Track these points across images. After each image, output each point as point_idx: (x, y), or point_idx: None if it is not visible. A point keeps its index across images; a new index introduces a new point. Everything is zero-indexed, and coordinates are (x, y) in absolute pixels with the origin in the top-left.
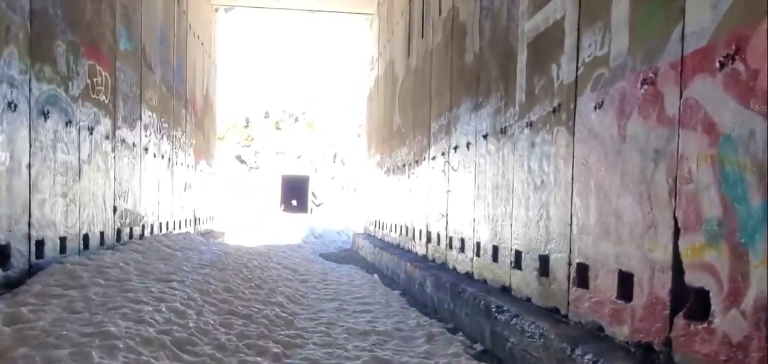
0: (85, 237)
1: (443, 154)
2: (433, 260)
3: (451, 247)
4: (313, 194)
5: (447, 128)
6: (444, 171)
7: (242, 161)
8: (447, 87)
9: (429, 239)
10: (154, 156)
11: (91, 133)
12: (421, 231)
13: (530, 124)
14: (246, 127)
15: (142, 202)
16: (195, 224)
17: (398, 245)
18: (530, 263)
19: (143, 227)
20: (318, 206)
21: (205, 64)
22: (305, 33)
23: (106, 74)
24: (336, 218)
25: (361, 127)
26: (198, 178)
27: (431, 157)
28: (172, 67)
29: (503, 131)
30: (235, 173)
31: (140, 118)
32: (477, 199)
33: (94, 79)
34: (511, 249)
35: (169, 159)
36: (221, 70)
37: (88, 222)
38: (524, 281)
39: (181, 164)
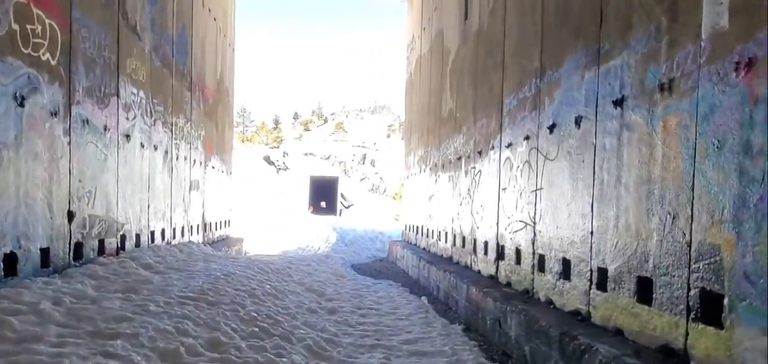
0: (7, 258)
1: (528, 138)
2: (509, 284)
3: (542, 269)
4: (342, 195)
5: (534, 102)
6: (529, 162)
7: (270, 163)
8: (534, 41)
9: (500, 255)
10: (143, 146)
11: (21, 104)
12: (486, 243)
13: (743, 65)
14: (274, 128)
15: (121, 205)
16: (204, 230)
17: (450, 258)
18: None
19: (123, 238)
20: (347, 207)
21: (220, 45)
22: (335, 31)
23: (54, 24)
24: (367, 221)
25: (391, 128)
26: (209, 177)
27: (505, 144)
28: (170, 37)
29: (666, 87)
30: (263, 175)
31: (117, 95)
32: (599, 201)
33: (29, 27)
34: (686, 285)
35: (167, 152)
36: (246, 63)
37: (14, 235)
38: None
39: (185, 159)
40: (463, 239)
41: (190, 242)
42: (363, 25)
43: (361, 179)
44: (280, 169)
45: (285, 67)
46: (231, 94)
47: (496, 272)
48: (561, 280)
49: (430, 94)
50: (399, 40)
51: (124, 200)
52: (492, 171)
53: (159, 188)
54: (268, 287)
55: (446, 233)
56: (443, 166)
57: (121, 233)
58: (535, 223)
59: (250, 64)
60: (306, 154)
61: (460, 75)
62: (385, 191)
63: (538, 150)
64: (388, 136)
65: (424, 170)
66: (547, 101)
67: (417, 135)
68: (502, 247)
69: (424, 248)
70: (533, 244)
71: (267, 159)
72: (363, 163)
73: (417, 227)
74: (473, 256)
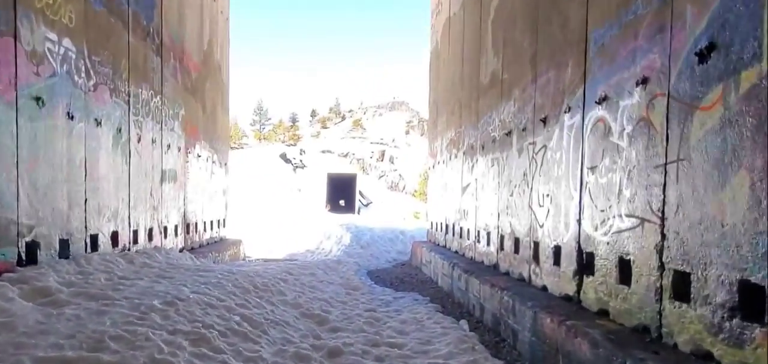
0: None
1: (645, 81)
2: (605, 313)
3: (682, 296)
4: (360, 193)
5: (658, 19)
6: (649, 120)
7: (287, 160)
8: None
9: (585, 267)
10: (72, 118)
11: None
12: (557, 249)
13: None
14: (292, 126)
15: (27, 200)
16: (186, 233)
17: (494, 266)
18: None
19: (30, 246)
20: (366, 205)
21: (207, 8)
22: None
23: None
24: (386, 219)
25: (410, 124)
26: (194, 167)
27: (594, 99)
28: None
29: None
30: (279, 173)
31: (15, 37)
32: None
33: None
34: None
35: (120, 129)
36: (262, 59)
37: None
38: None
39: (153, 142)
40: (516, 241)
41: (156, 248)
42: (381, 17)
43: (380, 177)
44: (297, 167)
45: (302, 64)
46: (224, 71)
47: (578, 291)
48: (736, 320)
49: (462, 61)
50: (418, 27)
51: (35, 191)
52: (567, 144)
53: (106, 178)
54: (239, 318)
55: (488, 233)
56: (483, 148)
57: (27, 238)
58: (663, 218)
59: (266, 60)
60: (323, 152)
61: (510, 22)
62: (404, 188)
63: (669, 97)
64: (407, 132)
65: (456, 156)
66: (690, 11)
67: (445, 115)
68: (589, 255)
69: (455, 252)
70: (660, 252)
71: (284, 157)
72: (382, 160)
73: (446, 226)
74: (534, 265)
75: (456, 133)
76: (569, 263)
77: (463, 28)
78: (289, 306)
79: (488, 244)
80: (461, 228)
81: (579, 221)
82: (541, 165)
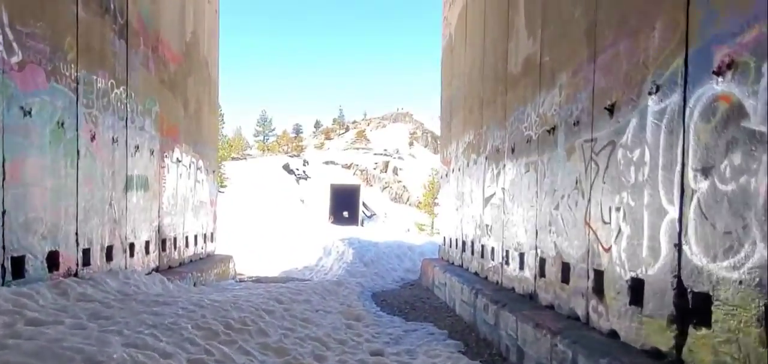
0: None
1: None
2: None
3: None
4: (364, 204)
5: None
6: None
7: (290, 171)
8: None
9: (691, 312)
10: None
11: None
12: (636, 282)
13: None
14: (295, 137)
15: None
16: (161, 249)
17: (531, 295)
18: None
19: None
20: (369, 217)
21: None
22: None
23: None
24: (391, 232)
25: (414, 135)
26: (172, 173)
27: (718, 66)
28: None
29: None
30: (282, 184)
31: None
32: None
33: None
34: None
35: (62, 123)
36: (266, 69)
37: None
38: None
39: (113, 141)
40: (564, 267)
41: (111, 272)
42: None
43: (384, 188)
44: (300, 178)
45: (306, 73)
46: (213, 68)
47: (678, 347)
48: None
49: (483, 50)
50: (423, 36)
51: None
52: (654, 137)
53: (39, 183)
54: None
55: (521, 255)
56: (513, 151)
57: None
58: None
59: (270, 70)
60: (327, 163)
61: None
62: (408, 200)
63: None
64: (411, 143)
65: (476, 162)
66: None
67: (461, 115)
68: (701, 297)
69: (475, 274)
70: None
71: (286, 167)
72: (385, 171)
73: (463, 243)
74: (594, 301)
75: (475, 136)
76: (660, 305)
77: (484, 12)
78: (271, 353)
79: (521, 267)
80: (483, 246)
81: (678, 246)
82: (606, 168)
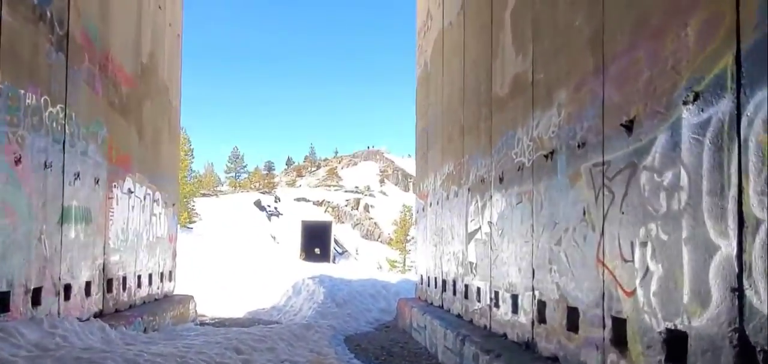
0: None
1: None
2: None
3: None
4: (335, 241)
5: None
6: None
7: (261, 208)
8: None
9: None
10: None
11: None
12: (674, 335)
13: None
14: (267, 174)
15: None
16: (106, 291)
17: (528, 344)
18: None
19: None
20: (341, 253)
21: (149, 14)
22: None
23: None
24: (363, 269)
25: (384, 173)
26: (121, 206)
27: None
28: None
29: None
30: (253, 221)
31: None
32: None
33: None
34: None
35: None
36: (238, 107)
37: None
38: None
39: (47, 167)
40: (570, 312)
41: (34, 319)
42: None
43: (355, 225)
44: (271, 214)
45: (277, 111)
46: (173, 94)
47: None
48: None
49: (463, 74)
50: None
51: None
52: (692, 155)
53: None
54: None
55: (514, 297)
56: (501, 180)
57: None
58: None
59: (242, 108)
60: (298, 200)
61: (546, 2)
62: (380, 237)
63: None
64: (382, 181)
65: (457, 194)
66: None
67: (440, 144)
68: None
69: (458, 316)
70: None
71: (258, 203)
72: (357, 208)
73: (444, 282)
74: (614, 356)
75: (456, 166)
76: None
77: (463, 36)
78: None
79: (515, 311)
80: (467, 286)
81: (739, 291)
82: (625, 196)
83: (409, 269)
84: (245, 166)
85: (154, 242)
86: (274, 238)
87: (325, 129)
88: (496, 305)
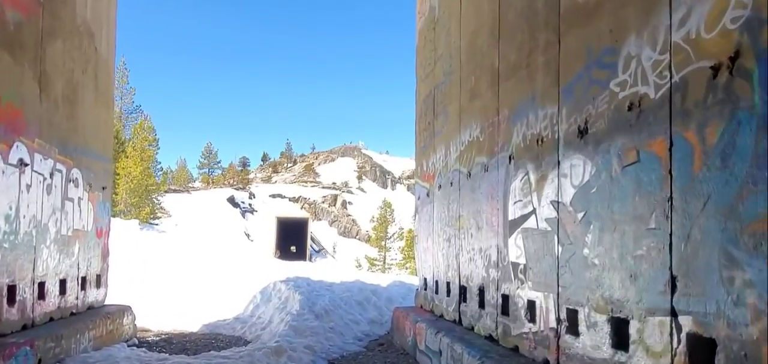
0: None
1: None
2: None
3: None
4: (312, 238)
5: None
6: None
7: (235, 204)
8: None
9: None
10: None
11: None
12: None
13: None
14: (242, 170)
15: None
16: None
17: None
18: None
19: None
20: (318, 251)
21: None
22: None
23: None
24: (345, 271)
25: (362, 169)
26: (11, 185)
27: None
28: None
29: None
30: (226, 218)
31: None
32: None
33: None
34: None
35: None
36: (212, 104)
37: None
38: None
39: None
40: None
41: None
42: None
43: (332, 222)
44: (245, 211)
45: (253, 107)
46: (102, 44)
47: None
48: None
49: None
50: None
51: None
52: None
53: None
54: None
55: (623, 323)
56: (585, 133)
57: None
58: None
59: (216, 103)
60: (273, 196)
61: None
62: (357, 234)
63: None
64: (360, 178)
65: (487, 168)
66: None
67: (455, 105)
68: None
69: (489, 338)
70: None
71: (231, 200)
72: (334, 205)
73: (464, 289)
74: None
75: (485, 129)
76: None
77: None
78: None
79: (620, 345)
80: (508, 298)
81: None
82: None
83: (389, 269)
84: (219, 162)
85: (70, 237)
86: (247, 235)
87: (302, 125)
88: (573, 332)
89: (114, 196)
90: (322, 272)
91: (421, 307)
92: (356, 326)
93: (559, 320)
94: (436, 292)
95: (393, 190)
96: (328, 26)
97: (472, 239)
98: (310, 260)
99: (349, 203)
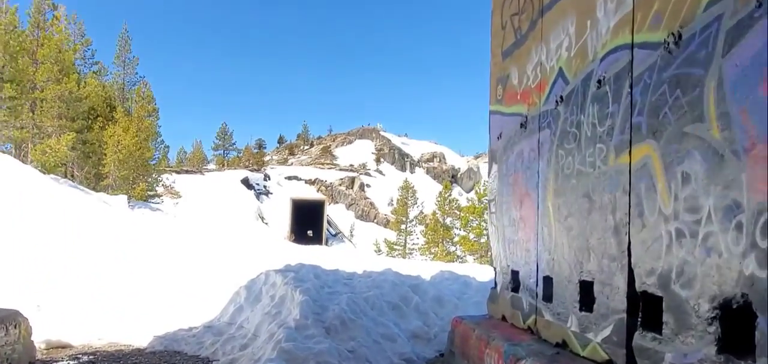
0: None
1: None
2: None
3: None
4: (328, 222)
5: None
6: None
7: (249, 186)
8: None
9: None
10: None
11: None
12: None
13: None
14: (257, 152)
15: None
16: None
17: None
18: None
19: None
20: (334, 235)
21: None
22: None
23: None
24: (366, 258)
25: (381, 151)
26: None
27: None
28: None
29: None
30: (240, 200)
31: None
32: None
33: None
34: None
35: None
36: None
37: None
38: None
39: None
40: None
41: None
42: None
43: (349, 205)
44: (260, 193)
45: (270, 89)
46: None
47: None
48: None
49: None
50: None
51: None
52: None
53: None
54: None
55: None
56: None
57: None
58: None
59: (233, 86)
60: (289, 178)
61: None
62: (375, 218)
63: None
64: (378, 160)
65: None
66: None
67: None
68: None
69: None
70: None
71: (245, 182)
72: (351, 188)
73: (638, 300)
74: None
75: None
76: None
77: None
78: None
79: None
80: None
81: None
82: None
83: (410, 254)
84: (234, 144)
85: None
86: (262, 218)
87: (319, 107)
88: None
89: (100, 168)
90: (338, 259)
91: (504, 318)
92: (391, 345)
93: None
94: (548, 299)
95: (412, 173)
96: (347, 7)
97: (680, 196)
98: (327, 244)
99: (367, 185)
